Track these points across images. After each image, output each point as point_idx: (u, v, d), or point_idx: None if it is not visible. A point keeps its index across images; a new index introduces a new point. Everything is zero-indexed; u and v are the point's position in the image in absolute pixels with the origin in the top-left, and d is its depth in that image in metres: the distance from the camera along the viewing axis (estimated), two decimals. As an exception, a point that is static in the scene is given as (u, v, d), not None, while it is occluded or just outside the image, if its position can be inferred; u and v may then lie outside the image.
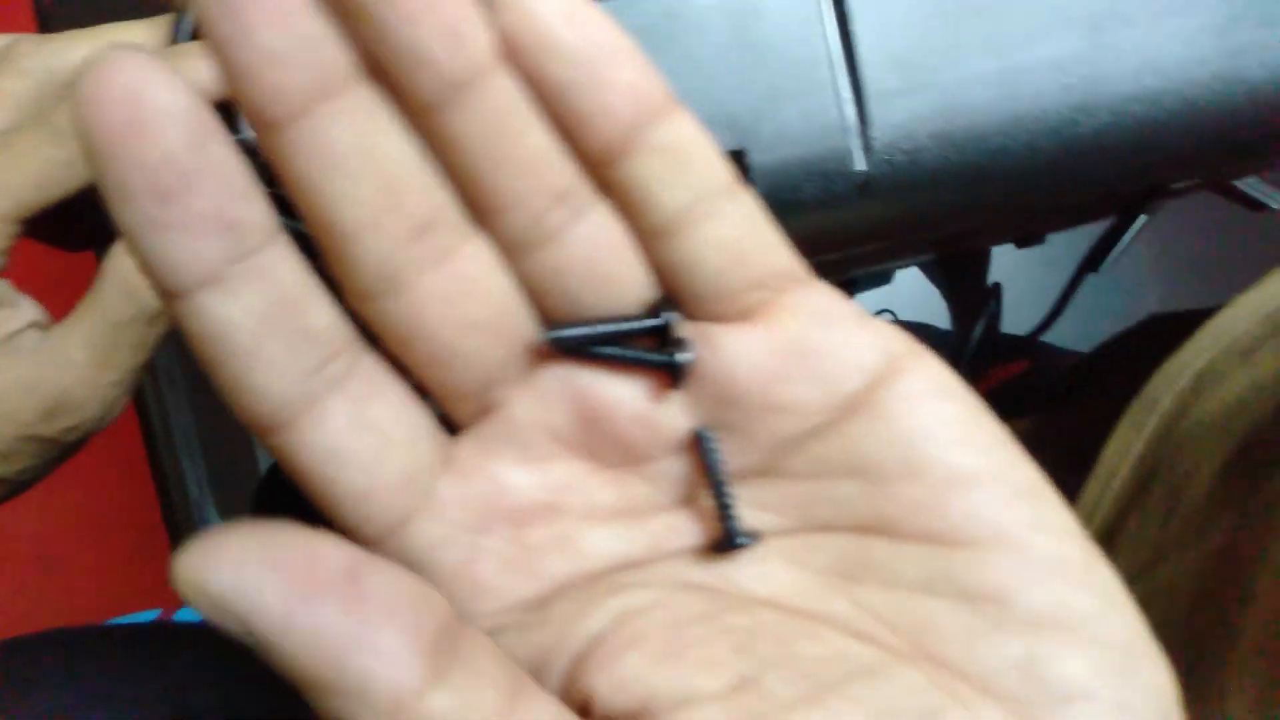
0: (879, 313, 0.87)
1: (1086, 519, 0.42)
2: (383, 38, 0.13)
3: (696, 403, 0.16)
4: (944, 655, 0.14)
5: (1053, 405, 0.72)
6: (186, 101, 0.12)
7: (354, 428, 0.14)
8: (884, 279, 0.88)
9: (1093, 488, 0.46)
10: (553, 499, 0.16)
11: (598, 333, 0.16)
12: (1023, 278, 0.84)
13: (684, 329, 0.16)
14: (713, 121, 0.27)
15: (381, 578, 0.12)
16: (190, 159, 0.12)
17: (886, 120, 0.28)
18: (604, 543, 0.16)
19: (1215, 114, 0.31)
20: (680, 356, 0.15)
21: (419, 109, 0.14)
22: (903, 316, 0.91)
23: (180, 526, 0.86)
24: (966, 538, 0.14)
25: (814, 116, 0.28)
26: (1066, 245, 0.72)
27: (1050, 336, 0.90)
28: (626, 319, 0.16)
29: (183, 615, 0.47)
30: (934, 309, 0.94)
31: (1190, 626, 0.26)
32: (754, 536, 0.16)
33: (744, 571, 0.16)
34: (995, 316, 0.81)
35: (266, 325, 0.14)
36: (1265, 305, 0.34)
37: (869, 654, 0.14)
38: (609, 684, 0.14)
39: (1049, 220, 0.52)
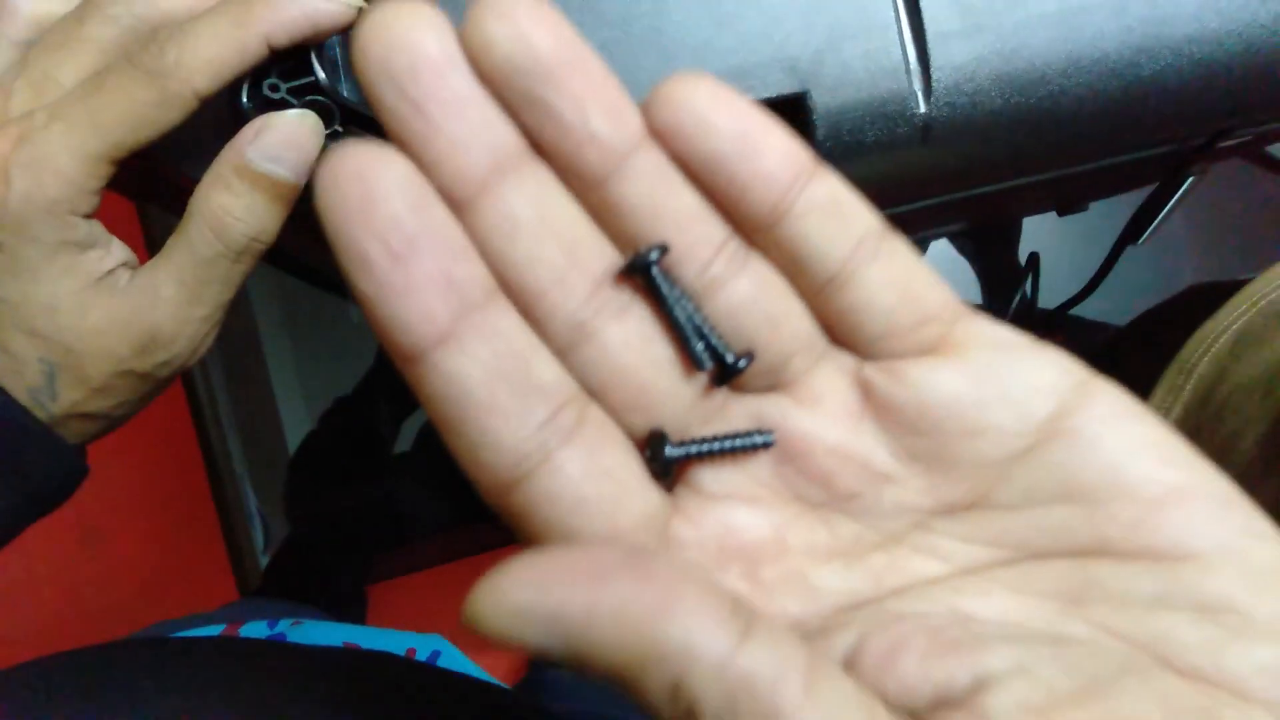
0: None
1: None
2: (552, 119, 0.15)
3: (892, 437, 0.16)
4: (1192, 666, 0.14)
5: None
6: (408, 173, 0.14)
7: (591, 476, 0.15)
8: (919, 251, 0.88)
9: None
10: (779, 537, 0.16)
11: (707, 450, 0.16)
12: (1054, 251, 0.84)
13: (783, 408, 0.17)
14: (775, 64, 0.28)
15: (662, 559, 0.13)
16: (415, 223, 0.14)
17: (947, 62, 0.28)
18: (832, 580, 0.16)
19: (1276, 56, 0.31)
20: (763, 437, 0.16)
21: (587, 180, 0.15)
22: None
23: (227, 503, 0.87)
24: (1187, 551, 0.15)
25: (875, 58, 0.28)
26: (1102, 218, 0.72)
27: (1083, 310, 0.89)
28: (735, 436, 0.16)
29: (249, 630, 0.47)
30: (961, 282, 0.94)
31: None
32: (749, 356, 0.16)
33: (971, 603, 0.15)
34: (1033, 288, 0.80)
35: (499, 379, 0.15)
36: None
37: (1130, 660, 0.14)
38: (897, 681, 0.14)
39: (1097, 183, 0.51)
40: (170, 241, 0.24)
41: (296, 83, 0.24)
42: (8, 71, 0.24)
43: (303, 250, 0.48)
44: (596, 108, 0.15)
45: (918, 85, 0.28)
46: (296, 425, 0.81)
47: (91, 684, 0.29)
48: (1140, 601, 0.15)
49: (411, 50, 0.14)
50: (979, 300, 0.88)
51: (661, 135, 0.16)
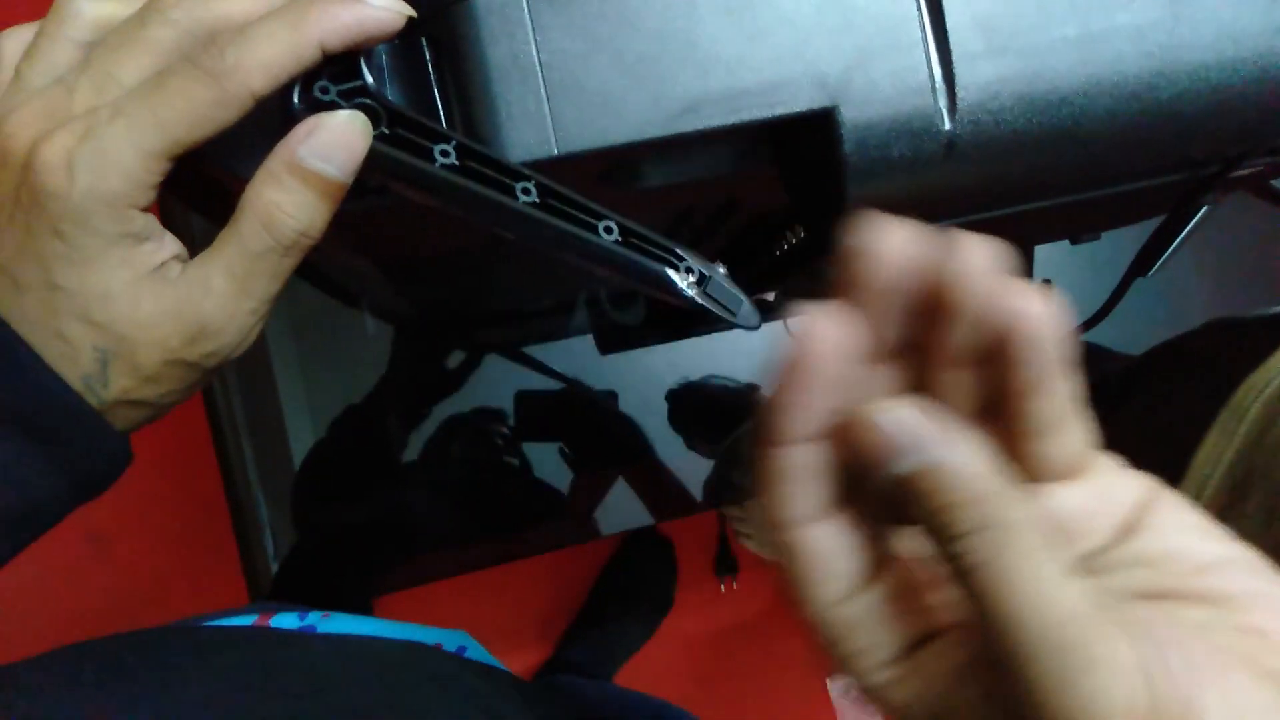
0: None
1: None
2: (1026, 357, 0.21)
3: None
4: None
5: (1108, 406, 0.72)
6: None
7: None
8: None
9: (1184, 496, 0.47)
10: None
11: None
12: (1065, 279, 0.84)
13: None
14: (805, 79, 0.28)
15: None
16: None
17: (972, 81, 0.29)
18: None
19: (1291, 84, 0.32)
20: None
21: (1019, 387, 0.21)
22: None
23: (241, 510, 0.88)
24: (1228, 597, 0.21)
25: (903, 76, 0.29)
26: (1114, 249, 0.72)
27: (1093, 338, 0.90)
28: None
29: (280, 621, 0.47)
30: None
31: None
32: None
33: None
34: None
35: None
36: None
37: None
38: None
39: (1111, 211, 0.52)
40: (221, 235, 0.25)
41: (346, 86, 0.25)
42: (71, 71, 0.25)
43: (323, 256, 0.49)
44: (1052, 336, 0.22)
45: (943, 103, 0.29)
46: (303, 435, 0.82)
47: (128, 666, 0.29)
48: (1189, 626, 0.20)
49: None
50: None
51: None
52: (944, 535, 0.20)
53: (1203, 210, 0.66)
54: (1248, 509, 0.44)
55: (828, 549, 0.22)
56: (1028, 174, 0.32)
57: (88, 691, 0.28)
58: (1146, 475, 0.23)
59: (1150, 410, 0.65)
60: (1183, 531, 0.22)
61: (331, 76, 0.25)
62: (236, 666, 0.31)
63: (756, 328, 0.27)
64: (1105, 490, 0.23)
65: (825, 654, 0.24)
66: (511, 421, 0.77)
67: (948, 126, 0.29)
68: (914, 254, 0.22)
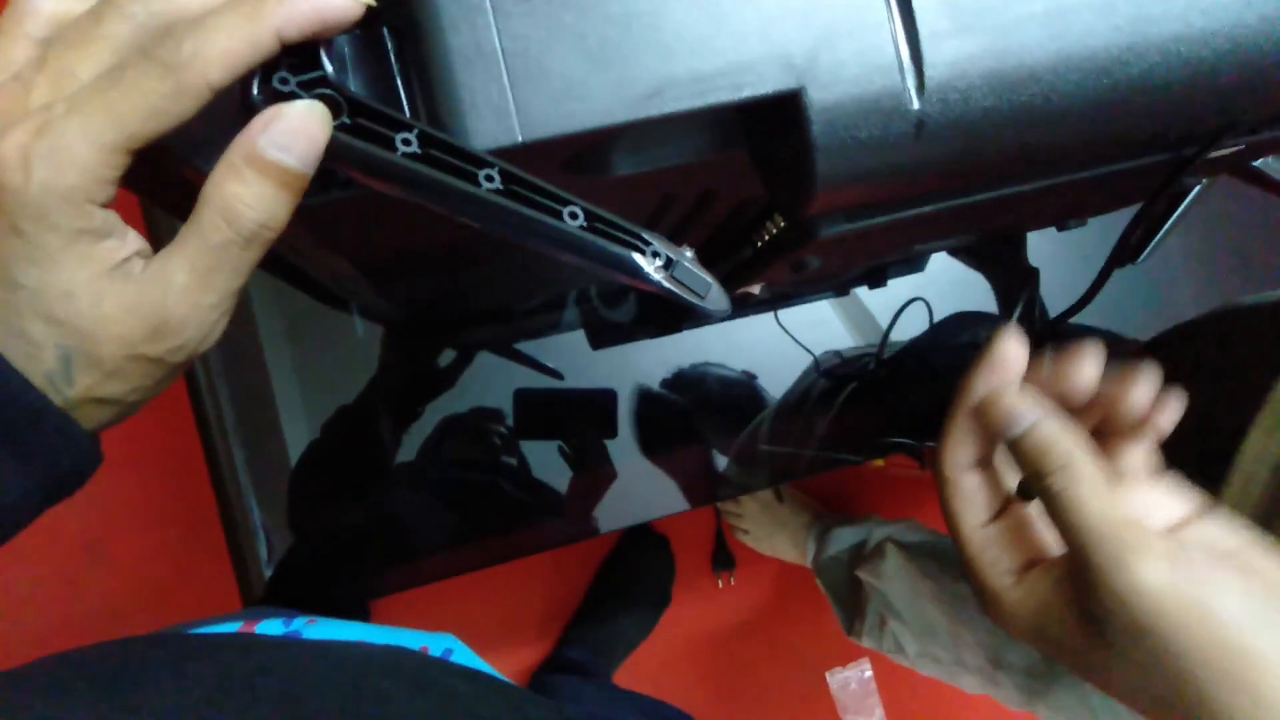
0: (911, 301, 0.87)
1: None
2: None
3: None
4: None
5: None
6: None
7: None
8: (917, 266, 0.89)
9: (1230, 494, 0.48)
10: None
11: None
12: (1059, 266, 0.85)
13: None
14: (771, 60, 0.28)
15: None
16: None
17: (940, 59, 0.29)
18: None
19: (1262, 56, 0.32)
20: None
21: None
22: (934, 303, 0.91)
23: (233, 516, 0.87)
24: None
25: (869, 55, 0.29)
26: (1104, 237, 0.72)
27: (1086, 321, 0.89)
28: None
29: (264, 628, 0.47)
30: (965, 296, 0.94)
31: None
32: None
33: None
34: (1031, 301, 0.81)
35: None
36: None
37: None
38: None
39: (1093, 196, 0.52)
40: (183, 230, 0.25)
41: (306, 76, 0.24)
42: (28, 66, 0.25)
43: (304, 259, 0.49)
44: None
45: (911, 82, 0.29)
46: (298, 439, 0.82)
47: (111, 678, 0.29)
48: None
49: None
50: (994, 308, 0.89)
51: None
52: (1038, 475, 0.32)
53: (1192, 194, 0.66)
54: None
55: (975, 487, 0.36)
56: (1000, 153, 0.32)
57: (67, 703, 0.27)
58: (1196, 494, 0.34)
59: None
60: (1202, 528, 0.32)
61: (290, 67, 0.24)
62: (215, 675, 0.30)
63: (726, 311, 0.27)
64: (1149, 503, 0.34)
65: (968, 565, 0.35)
66: (509, 420, 0.77)
67: (916, 106, 0.29)
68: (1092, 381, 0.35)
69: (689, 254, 0.26)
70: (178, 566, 1.06)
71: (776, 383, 0.85)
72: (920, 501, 1.47)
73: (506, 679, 0.40)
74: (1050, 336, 0.86)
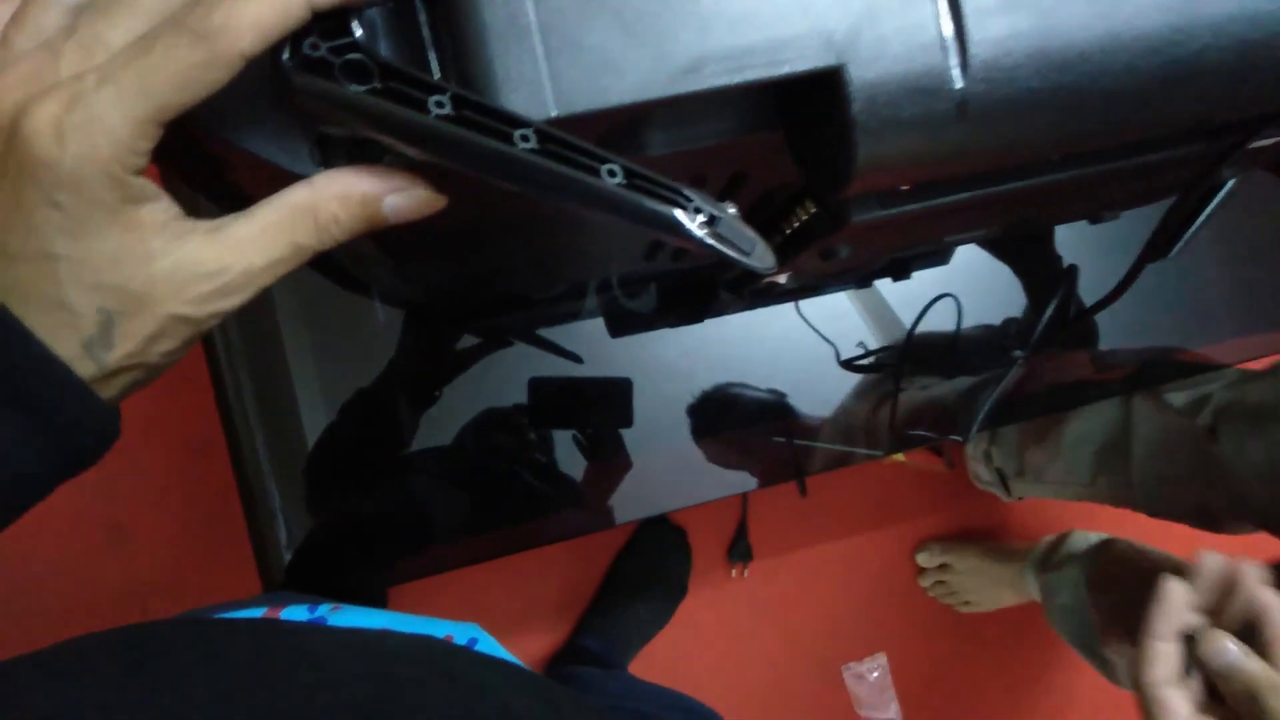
0: (940, 297, 0.86)
1: None
2: None
3: None
4: None
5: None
6: None
7: None
8: (942, 258, 0.87)
9: None
10: None
11: None
12: (1091, 262, 0.83)
13: None
14: (811, 37, 0.27)
15: None
16: None
17: (984, 37, 0.28)
18: None
19: (1317, 38, 0.31)
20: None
21: None
22: (961, 297, 0.90)
23: (253, 500, 0.88)
24: None
25: (912, 33, 0.28)
26: (1135, 232, 0.71)
27: (1109, 321, 0.88)
28: None
29: (290, 613, 0.47)
30: (991, 289, 0.93)
31: None
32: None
33: None
34: (1066, 300, 0.80)
35: None
36: None
37: None
38: None
39: (1129, 188, 0.51)
40: (262, 208, 0.26)
41: (336, 42, 0.24)
42: (58, 34, 0.24)
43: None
44: None
45: (954, 60, 0.28)
46: (316, 424, 0.82)
47: (136, 661, 0.29)
48: None
49: None
50: (1002, 307, 0.88)
51: None
52: (1237, 700, 0.43)
53: (1225, 190, 0.64)
54: None
55: (1178, 700, 0.46)
56: (1045, 135, 0.31)
57: (97, 687, 0.27)
58: None
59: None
60: None
61: (321, 34, 0.24)
62: (245, 660, 0.30)
63: (771, 269, 0.26)
64: None
65: None
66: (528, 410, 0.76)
67: (960, 85, 0.29)
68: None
69: (732, 209, 0.25)
70: (198, 550, 1.06)
71: (796, 376, 0.84)
72: (949, 496, 1.45)
73: (531, 669, 0.39)
74: (1083, 331, 0.85)
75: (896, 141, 0.29)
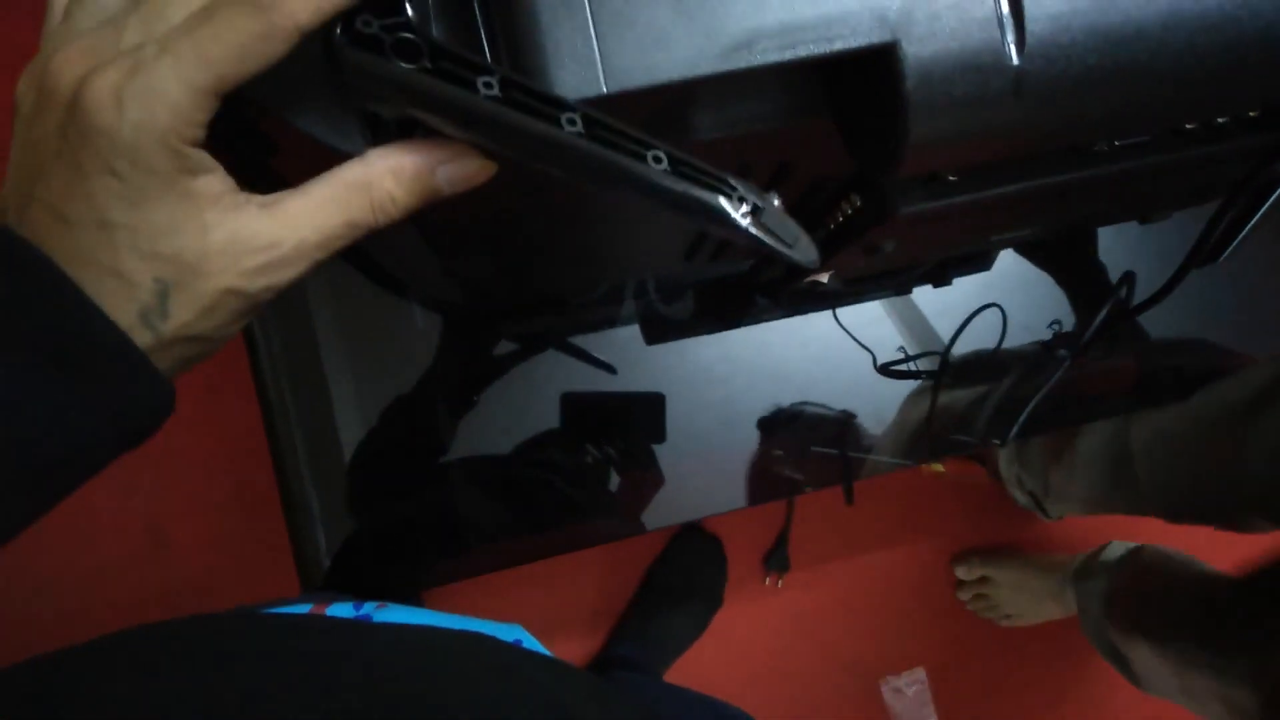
0: (986, 307, 0.85)
1: None
2: None
3: None
4: None
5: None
6: None
7: None
8: (983, 264, 0.86)
9: None
10: None
11: None
12: (1140, 267, 0.82)
13: None
14: (864, 12, 0.27)
15: None
16: None
17: (1042, 13, 0.28)
18: None
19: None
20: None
21: None
22: (1003, 303, 0.88)
23: (293, 504, 0.88)
24: None
25: (967, 8, 0.27)
26: (1184, 236, 0.70)
27: (1157, 329, 0.87)
28: None
29: (335, 610, 0.47)
30: (1033, 295, 0.91)
31: None
32: None
33: None
34: (1125, 303, 0.79)
35: None
36: None
37: None
38: None
39: (1181, 189, 0.50)
40: (318, 184, 0.26)
41: (388, 21, 0.24)
42: (121, 11, 0.25)
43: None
44: None
45: (1010, 37, 0.28)
46: (352, 428, 0.82)
47: (195, 655, 0.29)
48: None
49: None
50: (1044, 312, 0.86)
51: None
52: None
53: (1276, 194, 0.63)
54: None
55: None
56: (1101, 114, 0.30)
57: (153, 682, 0.27)
58: None
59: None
60: None
61: (374, 12, 0.24)
62: (297, 654, 0.30)
63: (815, 262, 0.26)
64: None
65: None
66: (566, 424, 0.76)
67: (1016, 62, 0.28)
68: None
69: (776, 201, 0.25)
70: (238, 553, 1.07)
71: (831, 382, 0.83)
72: (988, 508, 1.43)
73: (579, 668, 0.39)
74: (1131, 334, 0.83)
75: (950, 120, 0.29)
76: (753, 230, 0.25)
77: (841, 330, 0.86)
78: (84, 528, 1.01)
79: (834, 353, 0.85)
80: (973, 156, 0.32)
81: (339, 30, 0.24)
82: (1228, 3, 0.29)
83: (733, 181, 0.25)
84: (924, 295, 0.88)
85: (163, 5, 0.24)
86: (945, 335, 0.85)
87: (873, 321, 0.85)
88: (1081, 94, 0.29)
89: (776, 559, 1.37)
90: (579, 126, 0.24)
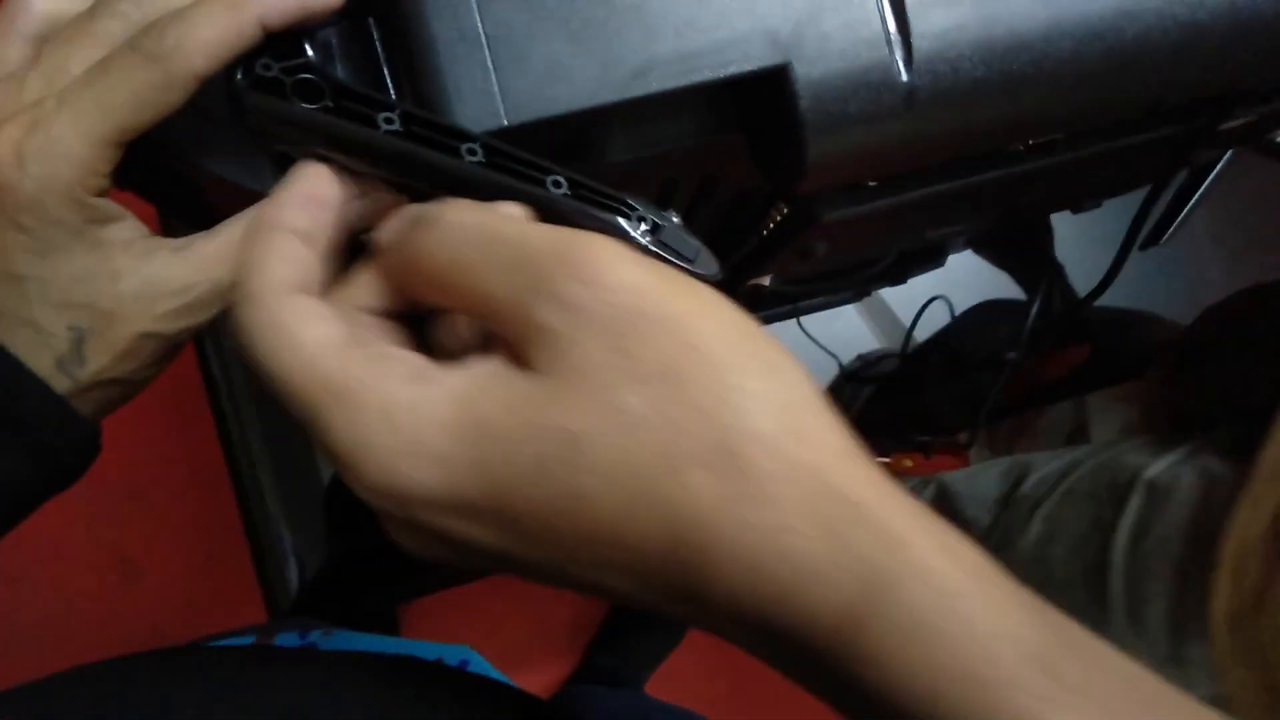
0: (932, 300, 0.86)
1: (1256, 517, 0.47)
2: None
3: None
4: None
5: (1162, 376, 0.73)
6: None
7: None
8: (937, 261, 0.88)
9: (1260, 487, 0.48)
10: None
11: None
12: (1089, 253, 0.83)
13: None
14: (755, 36, 0.28)
15: None
16: None
17: (928, 30, 0.29)
18: None
19: (1259, 19, 0.31)
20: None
21: None
22: (955, 301, 0.90)
23: (259, 539, 0.88)
24: None
25: (855, 28, 0.29)
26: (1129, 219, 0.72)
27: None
28: None
29: (282, 640, 0.48)
30: (989, 291, 0.93)
31: None
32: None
33: None
34: (1049, 295, 0.80)
35: None
36: None
37: None
38: None
39: (1105, 176, 0.51)
40: (224, 228, 0.27)
41: (288, 63, 0.25)
42: (22, 65, 0.25)
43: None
44: None
45: (899, 54, 0.29)
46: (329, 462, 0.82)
47: (116, 693, 0.29)
48: None
49: None
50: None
51: None
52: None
53: (1214, 173, 0.64)
54: None
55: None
56: (994, 124, 0.31)
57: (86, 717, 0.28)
58: None
59: (1201, 380, 0.69)
60: None
61: (274, 55, 0.25)
62: (229, 687, 0.30)
63: (717, 275, 0.27)
64: None
65: None
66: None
67: (905, 78, 0.29)
68: None
69: (675, 219, 0.26)
70: (210, 584, 1.07)
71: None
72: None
73: (523, 690, 0.39)
74: (1079, 321, 0.85)
75: (846, 136, 0.30)
76: (652, 248, 0.25)
77: (807, 337, 0.87)
78: (51, 563, 1.00)
79: (801, 359, 0.86)
80: (874, 169, 0.33)
81: (239, 75, 0.25)
82: (1108, 11, 0.30)
83: (631, 202, 0.26)
84: (889, 292, 0.89)
85: (63, 59, 0.25)
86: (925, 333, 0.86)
87: (842, 326, 0.87)
88: (972, 105, 0.30)
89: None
90: (479, 156, 0.25)
